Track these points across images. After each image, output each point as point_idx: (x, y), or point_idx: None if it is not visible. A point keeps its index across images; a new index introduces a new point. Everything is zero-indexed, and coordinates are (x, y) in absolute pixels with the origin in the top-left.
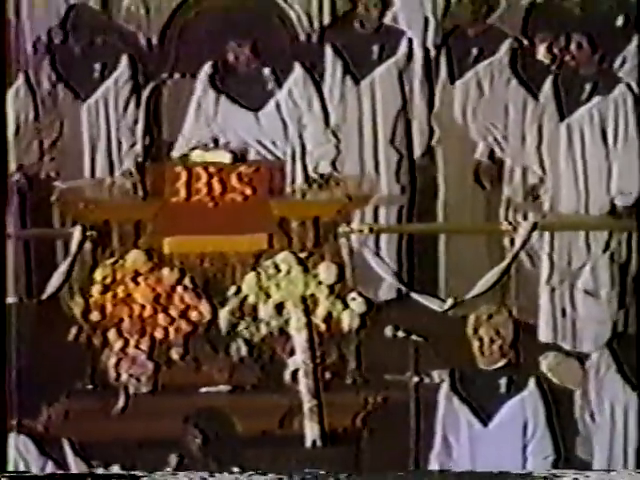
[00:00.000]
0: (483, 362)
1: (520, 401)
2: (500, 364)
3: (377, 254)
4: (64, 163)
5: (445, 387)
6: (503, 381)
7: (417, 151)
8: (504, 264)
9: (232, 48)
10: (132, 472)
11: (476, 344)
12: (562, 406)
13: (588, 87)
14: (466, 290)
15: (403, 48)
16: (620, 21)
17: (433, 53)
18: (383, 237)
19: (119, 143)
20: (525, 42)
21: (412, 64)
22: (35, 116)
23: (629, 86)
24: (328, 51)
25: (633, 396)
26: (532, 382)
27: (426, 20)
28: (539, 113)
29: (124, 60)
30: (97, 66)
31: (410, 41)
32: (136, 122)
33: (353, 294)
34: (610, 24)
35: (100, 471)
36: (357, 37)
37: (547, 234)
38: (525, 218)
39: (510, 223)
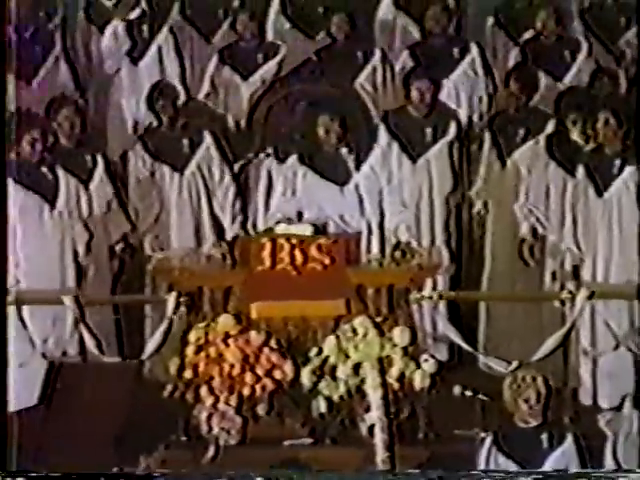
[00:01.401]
0: (522, 420)
1: (562, 454)
2: (538, 422)
3: (449, 320)
4: (159, 234)
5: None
6: (544, 437)
7: (467, 225)
8: (565, 329)
9: (323, 121)
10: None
11: (514, 404)
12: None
13: (618, 161)
14: (506, 353)
15: (453, 129)
16: None
17: (481, 134)
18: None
19: (210, 216)
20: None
21: (461, 144)
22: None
23: None
24: (382, 132)
25: None
26: (570, 437)
27: (474, 102)
28: (577, 192)
29: (209, 139)
30: (185, 142)
31: (459, 123)
32: (225, 197)
33: (425, 355)
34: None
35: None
36: (411, 120)
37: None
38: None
39: (570, 292)
